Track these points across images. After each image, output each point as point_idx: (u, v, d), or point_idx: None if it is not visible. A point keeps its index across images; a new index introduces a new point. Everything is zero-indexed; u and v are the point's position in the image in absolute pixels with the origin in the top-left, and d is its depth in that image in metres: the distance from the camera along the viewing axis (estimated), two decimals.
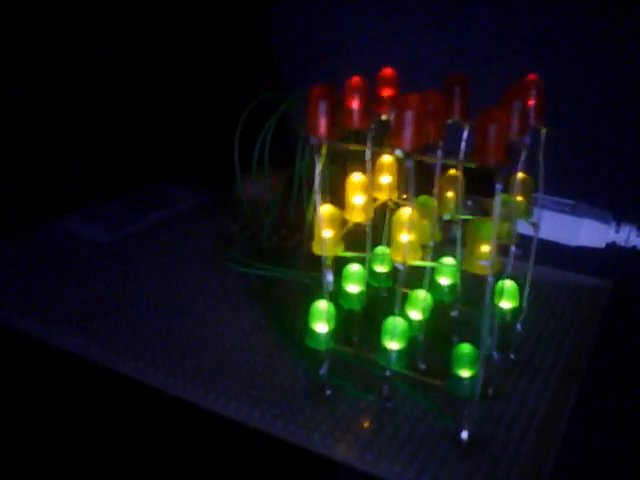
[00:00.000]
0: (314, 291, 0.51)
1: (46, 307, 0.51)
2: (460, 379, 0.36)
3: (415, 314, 0.41)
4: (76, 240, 0.63)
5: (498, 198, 0.32)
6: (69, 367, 0.47)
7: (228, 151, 0.69)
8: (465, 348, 0.36)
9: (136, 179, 0.76)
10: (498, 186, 0.32)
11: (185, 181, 0.78)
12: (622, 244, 0.54)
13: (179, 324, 0.49)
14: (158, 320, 0.49)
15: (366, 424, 0.38)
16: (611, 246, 0.54)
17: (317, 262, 0.54)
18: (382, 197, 0.44)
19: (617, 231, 0.54)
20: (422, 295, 0.41)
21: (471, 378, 0.36)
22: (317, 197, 0.37)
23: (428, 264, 0.39)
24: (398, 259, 0.37)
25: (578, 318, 0.49)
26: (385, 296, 0.47)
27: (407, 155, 0.34)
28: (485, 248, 0.34)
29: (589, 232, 0.54)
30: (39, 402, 0.47)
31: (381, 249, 0.45)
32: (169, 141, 0.78)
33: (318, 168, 0.36)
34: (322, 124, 0.36)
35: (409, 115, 0.33)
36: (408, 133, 0.34)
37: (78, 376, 0.46)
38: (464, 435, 0.37)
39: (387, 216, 0.44)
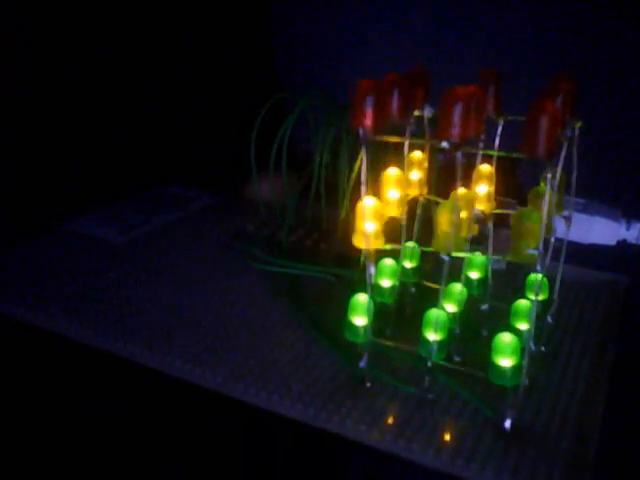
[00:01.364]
0: (341, 286, 0.52)
1: (66, 305, 0.50)
2: (503, 368, 0.37)
3: (450, 307, 0.42)
4: (90, 241, 0.62)
5: (549, 189, 0.33)
6: (95, 363, 0.47)
7: (230, 153, 0.69)
8: (507, 337, 0.37)
9: (143, 183, 0.76)
10: (549, 177, 0.33)
11: (191, 183, 0.78)
12: (632, 241, 0.55)
13: (207, 321, 0.48)
14: (184, 317, 0.49)
15: (409, 415, 0.39)
16: (621, 243, 0.56)
17: (338, 260, 0.55)
18: (412, 193, 0.45)
19: (628, 228, 0.55)
20: (458, 288, 0.42)
21: (513, 367, 0.37)
22: (363, 189, 0.37)
23: (471, 255, 0.39)
24: (442, 251, 0.37)
25: (599, 311, 0.50)
26: (413, 291, 0.47)
27: (455, 147, 0.35)
28: (532, 238, 0.35)
29: (601, 230, 0.56)
30: (64, 398, 0.47)
31: (410, 245, 0.45)
32: (175, 144, 0.78)
33: (365, 161, 0.37)
34: (369, 118, 0.36)
35: (459, 107, 0.34)
36: (457, 125, 0.34)
37: (107, 374, 0.46)
38: (507, 424, 0.37)
39: (418, 212, 0.45)
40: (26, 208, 0.63)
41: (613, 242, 0.56)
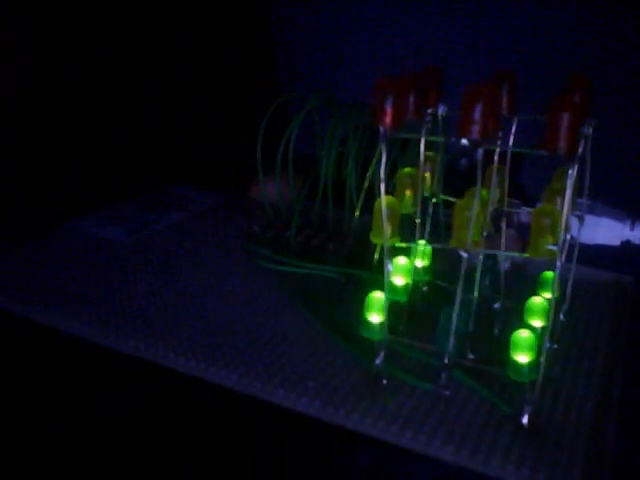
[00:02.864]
0: (351, 285, 0.52)
1: (74, 304, 0.50)
2: (520, 364, 0.37)
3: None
4: (96, 241, 0.62)
5: (570, 186, 0.34)
6: (108, 363, 0.46)
7: (233, 153, 0.68)
8: (525, 333, 0.37)
9: (148, 183, 0.76)
10: (570, 173, 0.33)
11: (195, 184, 0.78)
12: (637, 242, 0.56)
13: (218, 320, 0.48)
14: (196, 316, 0.49)
15: (428, 411, 0.39)
16: (625, 244, 0.56)
17: (348, 259, 0.55)
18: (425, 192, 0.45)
19: (632, 229, 0.56)
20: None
21: (531, 363, 0.37)
22: (382, 187, 0.37)
23: (491, 252, 0.40)
24: (461, 247, 0.37)
25: (608, 310, 0.51)
26: (424, 290, 0.48)
27: (476, 144, 0.35)
28: (552, 235, 0.35)
29: (605, 231, 0.56)
30: (68, 396, 0.46)
31: (422, 243, 0.46)
32: (178, 144, 0.77)
33: (384, 158, 0.37)
34: (389, 115, 0.36)
35: (481, 104, 0.34)
36: (478, 123, 0.35)
37: (121, 373, 0.45)
38: (525, 420, 0.38)
39: (429, 210, 0.45)
40: (31, 208, 0.63)
41: (617, 243, 0.57)
